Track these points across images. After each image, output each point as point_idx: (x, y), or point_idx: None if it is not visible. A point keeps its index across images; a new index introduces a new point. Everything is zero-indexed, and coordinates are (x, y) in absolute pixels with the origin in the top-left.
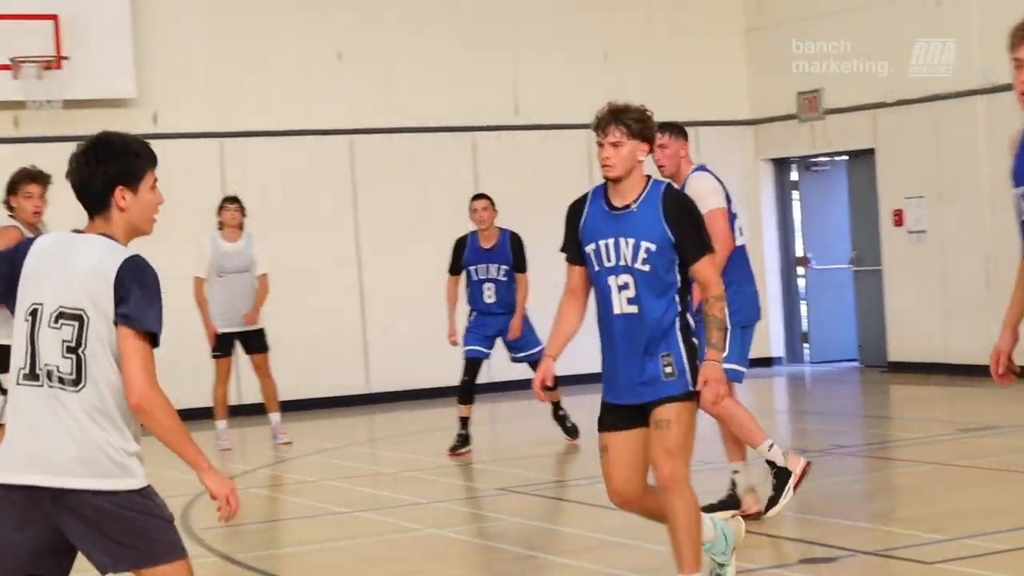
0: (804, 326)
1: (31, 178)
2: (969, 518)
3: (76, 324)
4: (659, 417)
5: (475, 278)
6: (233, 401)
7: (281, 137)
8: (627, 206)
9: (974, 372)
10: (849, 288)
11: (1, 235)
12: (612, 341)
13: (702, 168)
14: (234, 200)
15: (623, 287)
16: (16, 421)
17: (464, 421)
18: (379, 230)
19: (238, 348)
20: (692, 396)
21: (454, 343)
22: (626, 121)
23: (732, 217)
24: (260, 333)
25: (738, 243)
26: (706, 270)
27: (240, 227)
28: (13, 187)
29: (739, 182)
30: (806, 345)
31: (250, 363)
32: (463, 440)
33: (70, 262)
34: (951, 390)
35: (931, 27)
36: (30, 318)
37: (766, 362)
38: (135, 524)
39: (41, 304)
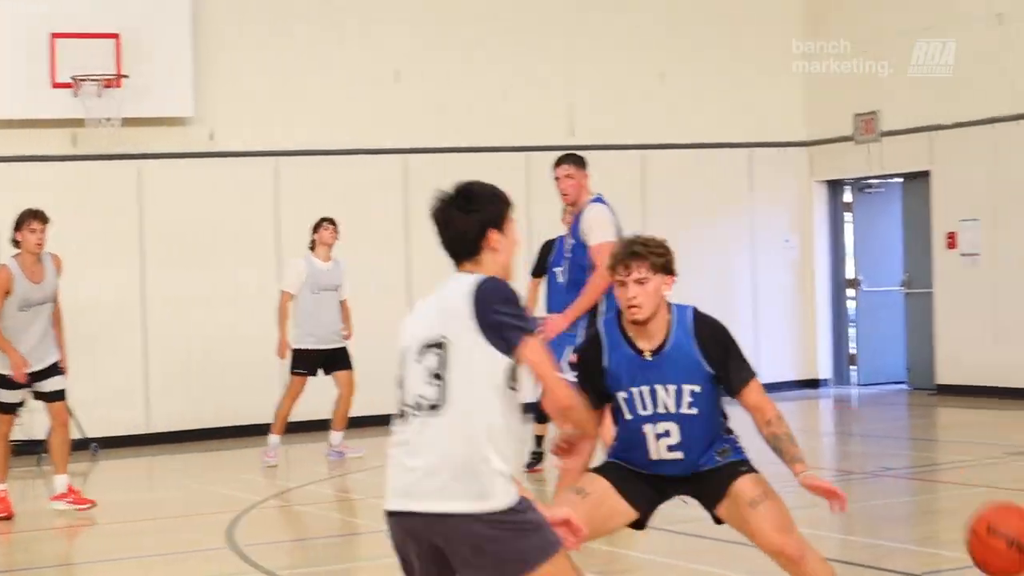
0: (853, 348)
1: (35, 216)
2: None
3: (440, 352)
4: (747, 497)
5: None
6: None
7: (336, 156)
8: (659, 348)
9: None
10: (899, 310)
11: None
12: (647, 466)
13: (600, 200)
14: (332, 221)
15: (663, 435)
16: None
17: (539, 439)
18: (431, 249)
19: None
20: (753, 467)
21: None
22: (650, 257)
23: None
24: (345, 350)
25: None
26: (754, 396)
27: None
28: (19, 224)
29: (793, 203)
30: (854, 367)
31: (335, 380)
32: (537, 457)
33: (434, 300)
34: (1000, 413)
35: (990, 51)
36: (402, 359)
37: (813, 384)
38: (499, 543)
39: (408, 346)
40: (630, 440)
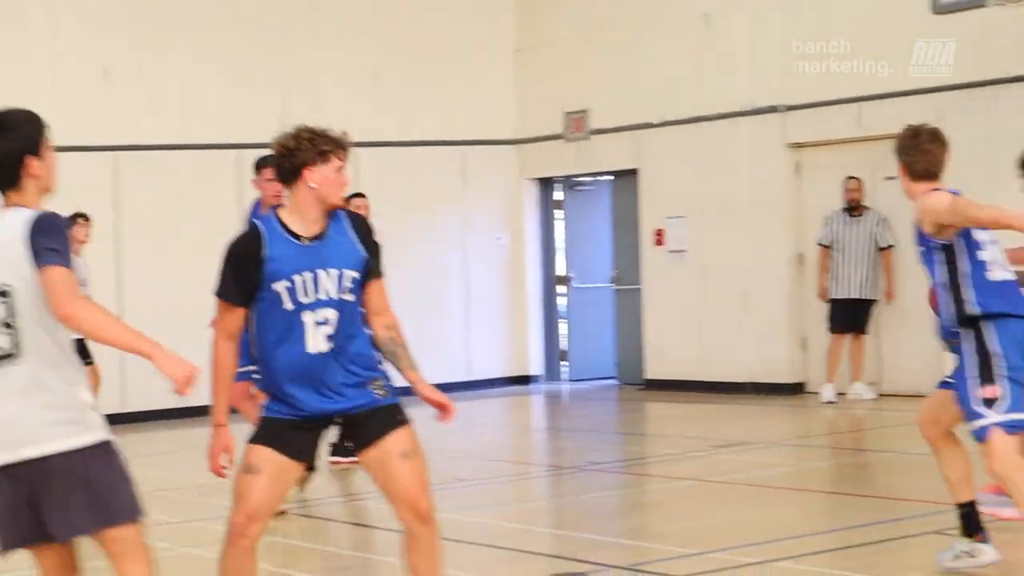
0: (564, 344)
1: None
2: (718, 532)
3: (6, 300)
4: (403, 447)
5: None
6: None
7: None
8: (321, 234)
9: (728, 390)
10: (609, 307)
11: None
12: (298, 379)
13: None
14: (86, 217)
15: (322, 323)
16: None
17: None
18: (141, 247)
19: None
20: (407, 416)
21: None
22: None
23: None
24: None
25: None
26: (382, 296)
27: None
28: None
29: (504, 201)
30: (565, 363)
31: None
32: (342, 451)
33: None
34: (706, 407)
35: (696, 50)
36: None
37: (525, 380)
38: (103, 479)
39: None
40: (285, 336)
